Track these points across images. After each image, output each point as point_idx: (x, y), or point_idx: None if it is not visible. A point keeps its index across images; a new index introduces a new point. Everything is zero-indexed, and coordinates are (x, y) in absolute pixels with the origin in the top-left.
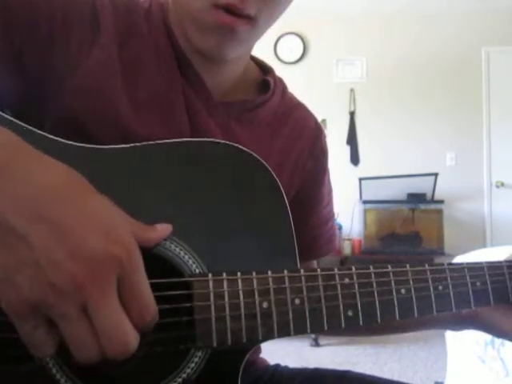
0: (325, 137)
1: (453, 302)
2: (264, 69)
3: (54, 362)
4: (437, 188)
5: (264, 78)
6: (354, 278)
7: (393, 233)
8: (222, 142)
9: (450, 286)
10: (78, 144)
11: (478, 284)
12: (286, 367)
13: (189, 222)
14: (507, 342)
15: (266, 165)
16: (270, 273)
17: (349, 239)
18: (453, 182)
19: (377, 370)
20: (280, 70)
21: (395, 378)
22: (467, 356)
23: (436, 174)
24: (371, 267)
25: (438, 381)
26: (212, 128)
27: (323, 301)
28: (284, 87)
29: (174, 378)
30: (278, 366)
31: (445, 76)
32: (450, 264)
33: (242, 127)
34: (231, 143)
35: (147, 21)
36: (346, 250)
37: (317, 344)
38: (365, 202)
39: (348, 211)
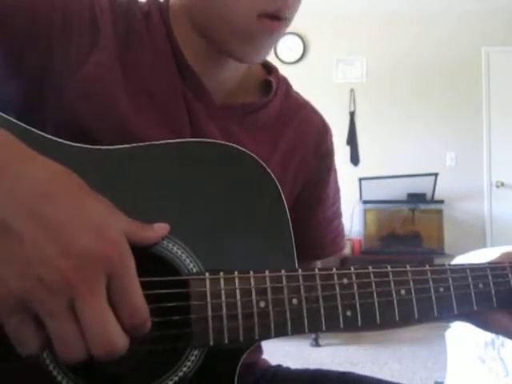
0: (331, 136)
1: (454, 304)
2: (268, 68)
3: (52, 358)
4: (437, 188)
5: (266, 78)
6: (353, 278)
7: (393, 233)
8: (222, 142)
9: (452, 288)
10: (77, 144)
11: (481, 286)
12: (287, 368)
13: (188, 222)
14: (507, 343)
15: (265, 166)
16: (267, 272)
17: (349, 239)
18: (453, 182)
19: (377, 369)
20: (280, 70)
21: (395, 378)
22: (467, 356)
23: (436, 174)
24: (370, 267)
25: (438, 381)
26: (213, 132)
27: (321, 301)
28: (288, 87)
29: (171, 376)
30: (279, 366)
31: (445, 76)
32: (452, 265)
33: (244, 131)
34: (230, 144)
35: (146, 23)
36: (346, 250)
37: (317, 344)
38: (365, 202)
39: (348, 211)
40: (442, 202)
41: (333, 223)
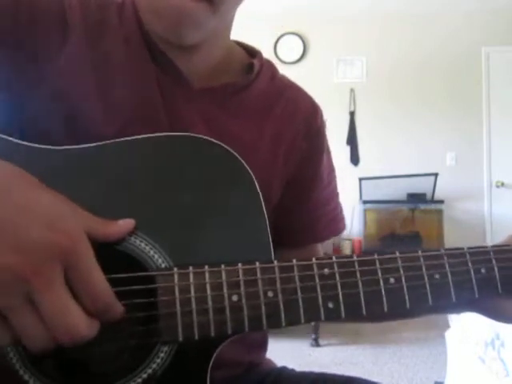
0: (321, 116)
1: (453, 292)
2: (251, 52)
3: (18, 357)
4: (437, 188)
5: (250, 62)
6: (335, 267)
7: (393, 233)
8: (192, 135)
9: (449, 274)
10: (41, 146)
11: (483, 271)
12: (292, 370)
13: (156, 218)
14: (507, 343)
15: (236, 155)
16: (239, 265)
17: (349, 239)
18: (453, 182)
19: (377, 369)
20: (280, 70)
21: (395, 378)
22: (467, 356)
23: (436, 174)
24: (354, 256)
25: (438, 381)
26: (192, 117)
27: (299, 292)
28: (274, 70)
29: (140, 374)
30: (284, 368)
31: (445, 76)
32: (449, 249)
33: (228, 113)
34: (200, 136)
35: (119, 15)
36: (346, 250)
37: (317, 344)
38: (365, 202)
39: (348, 211)
40: (442, 202)
41: (330, 204)
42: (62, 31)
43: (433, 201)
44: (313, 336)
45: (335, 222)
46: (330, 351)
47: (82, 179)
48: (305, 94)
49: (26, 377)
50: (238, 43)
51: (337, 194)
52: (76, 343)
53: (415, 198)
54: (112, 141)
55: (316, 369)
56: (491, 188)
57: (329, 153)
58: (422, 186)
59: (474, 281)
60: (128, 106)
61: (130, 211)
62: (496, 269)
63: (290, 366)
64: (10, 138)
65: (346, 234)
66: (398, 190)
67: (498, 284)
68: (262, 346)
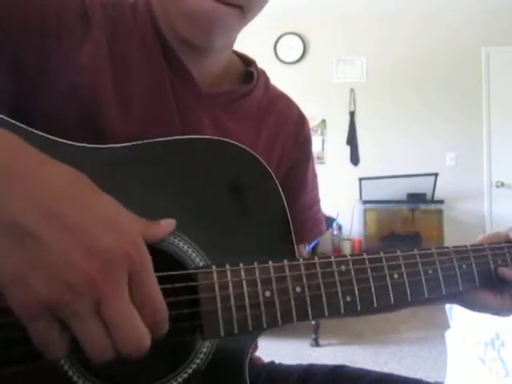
0: (308, 125)
1: (442, 285)
2: (246, 61)
3: (67, 358)
4: (437, 188)
5: (247, 69)
6: (350, 264)
7: (393, 233)
8: (215, 138)
9: (439, 270)
10: (81, 144)
11: (464, 266)
12: (280, 364)
13: (190, 218)
14: (507, 343)
15: (259, 157)
16: (270, 262)
17: (349, 239)
18: (453, 182)
19: (377, 369)
20: (280, 70)
21: None
22: (467, 356)
23: (436, 174)
24: (365, 254)
25: (438, 381)
26: (202, 120)
27: (322, 288)
28: (267, 79)
29: (185, 369)
30: (272, 363)
31: (445, 76)
32: (438, 248)
33: (230, 119)
34: (223, 139)
35: (133, 15)
36: (346, 249)
37: (317, 344)
38: (365, 202)
39: (348, 211)
40: (442, 202)
41: (313, 208)
42: (85, 27)
43: (433, 201)
44: (313, 336)
45: (319, 225)
46: (329, 351)
47: (119, 180)
48: (294, 104)
49: (75, 377)
50: (233, 52)
51: (319, 199)
52: (137, 353)
53: (415, 198)
54: (145, 141)
55: None
56: (491, 188)
57: (313, 160)
58: (421, 185)
59: (458, 275)
60: (142, 105)
61: (168, 211)
62: (474, 265)
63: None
64: (50, 136)
65: (346, 233)
66: (398, 189)
67: (476, 278)
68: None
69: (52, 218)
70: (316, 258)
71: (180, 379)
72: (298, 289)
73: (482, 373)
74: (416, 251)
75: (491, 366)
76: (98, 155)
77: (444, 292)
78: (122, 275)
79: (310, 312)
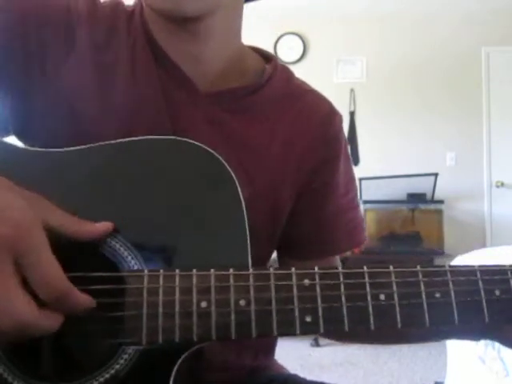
0: (340, 122)
1: (456, 314)
2: (266, 58)
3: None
4: (437, 188)
5: (263, 66)
6: (317, 278)
7: (393, 233)
8: (177, 138)
9: (453, 294)
10: (30, 148)
11: (497, 292)
12: (303, 379)
13: (134, 221)
14: None
15: (219, 156)
16: (212, 270)
17: None
18: (453, 182)
19: (377, 369)
20: None
21: (395, 377)
22: (467, 356)
23: (436, 174)
24: (339, 267)
25: (438, 381)
26: (195, 120)
27: (274, 303)
28: (290, 74)
29: (102, 373)
30: (293, 376)
31: (445, 76)
32: (454, 266)
33: (236, 117)
34: (185, 139)
35: (128, 23)
36: None
37: (317, 344)
38: (365, 202)
39: None
40: (441, 202)
41: (346, 214)
42: (69, 40)
43: (433, 201)
44: (313, 336)
45: (354, 234)
46: (330, 351)
47: (64, 182)
48: (324, 99)
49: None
50: (253, 48)
51: (357, 205)
52: (22, 332)
53: (415, 198)
54: (96, 144)
55: (316, 369)
56: (491, 188)
57: (348, 161)
58: (421, 185)
59: (484, 303)
60: (127, 107)
61: (111, 214)
62: None
63: (290, 365)
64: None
65: None
66: (397, 189)
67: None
68: (270, 350)
69: None
70: (271, 269)
71: (96, 383)
72: (242, 302)
73: (482, 373)
74: (418, 267)
75: (491, 366)
76: (45, 159)
77: (457, 323)
78: (1, 256)
79: (253, 330)
